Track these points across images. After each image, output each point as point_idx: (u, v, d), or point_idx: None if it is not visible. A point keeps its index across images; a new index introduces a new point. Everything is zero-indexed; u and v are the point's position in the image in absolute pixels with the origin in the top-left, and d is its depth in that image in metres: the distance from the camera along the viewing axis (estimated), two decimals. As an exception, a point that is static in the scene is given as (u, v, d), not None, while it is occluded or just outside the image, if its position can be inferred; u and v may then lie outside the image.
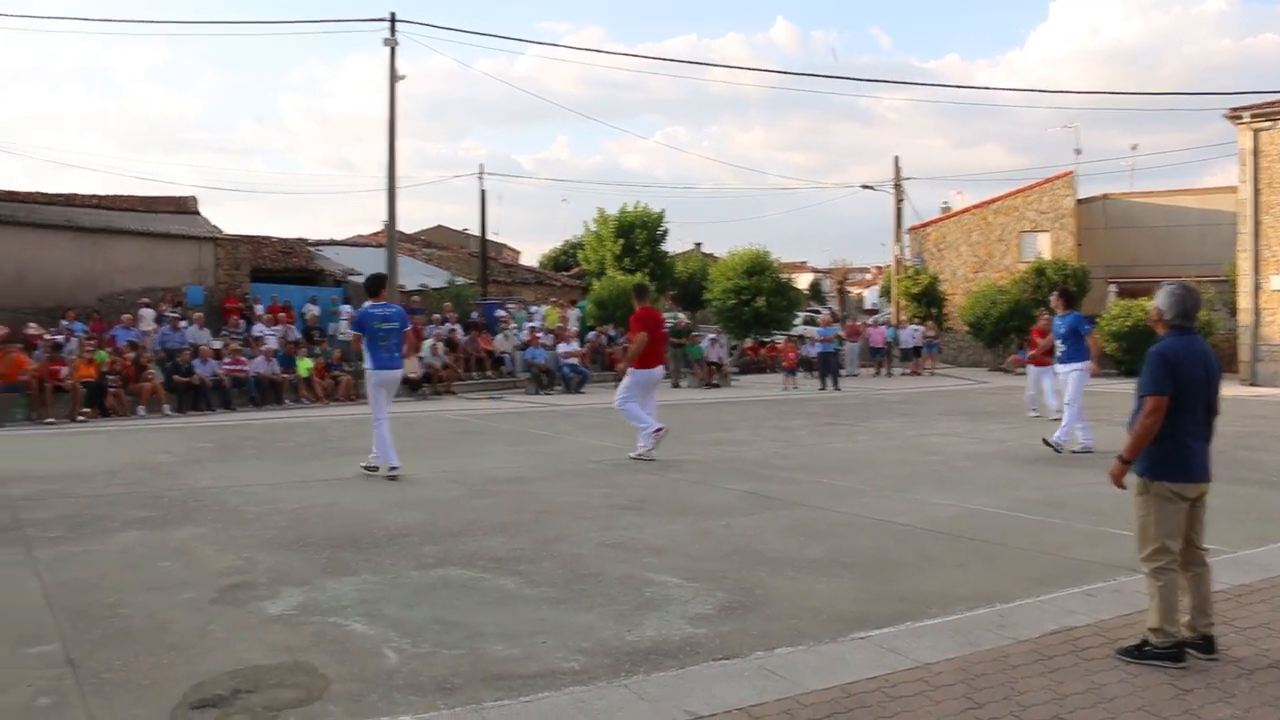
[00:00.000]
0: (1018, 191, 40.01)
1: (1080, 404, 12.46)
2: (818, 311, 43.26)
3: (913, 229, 41.38)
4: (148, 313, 23.62)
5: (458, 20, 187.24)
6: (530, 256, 62.71)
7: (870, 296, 74.19)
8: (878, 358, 32.03)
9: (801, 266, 70.86)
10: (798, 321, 39.06)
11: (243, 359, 21.39)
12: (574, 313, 31.10)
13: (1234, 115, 26.41)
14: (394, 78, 24.84)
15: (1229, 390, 13.07)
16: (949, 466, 11.35)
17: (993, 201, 40.45)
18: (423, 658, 4.78)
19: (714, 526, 7.91)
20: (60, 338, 20.50)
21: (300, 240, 36.13)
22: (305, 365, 21.97)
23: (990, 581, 6.20)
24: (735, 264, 35.56)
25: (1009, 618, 5.38)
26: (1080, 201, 38.94)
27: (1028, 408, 17.01)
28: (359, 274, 31.67)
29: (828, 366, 25.98)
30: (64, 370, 18.65)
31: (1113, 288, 36.24)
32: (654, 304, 12.59)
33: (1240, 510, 8.45)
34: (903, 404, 20.66)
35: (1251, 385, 25.56)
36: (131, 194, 33.17)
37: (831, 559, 6.82)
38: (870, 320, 39.90)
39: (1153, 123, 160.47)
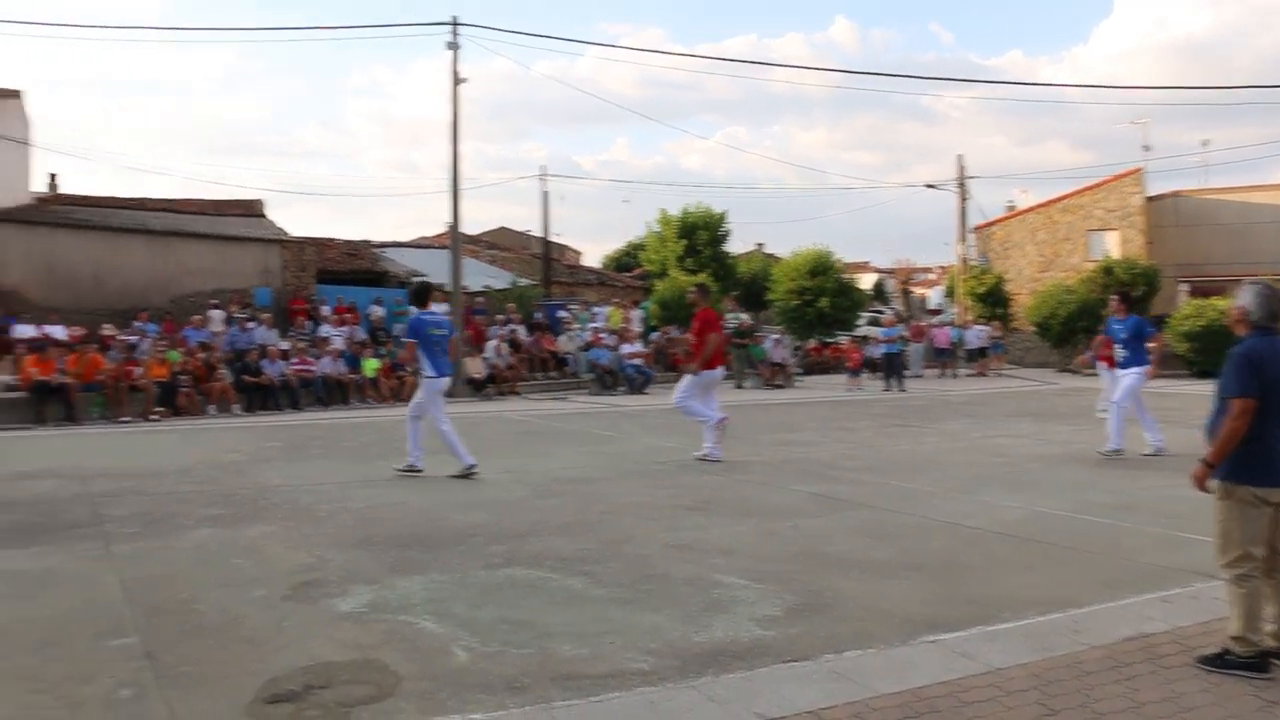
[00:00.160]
0: (1084, 189, 39.41)
1: (1128, 407, 12.18)
2: (881, 312, 42.91)
3: (977, 228, 40.94)
4: (217, 314, 24.03)
5: (518, 23, 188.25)
6: (592, 257, 62.98)
7: (934, 297, 73.35)
8: (942, 358, 31.67)
9: (864, 266, 70.30)
10: (861, 322, 38.76)
11: (310, 359, 21.68)
12: (637, 313, 31.14)
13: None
14: (456, 80, 25.00)
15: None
16: (1017, 468, 11.20)
17: (1059, 200, 39.88)
18: (492, 656, 4.80)
19: (781, 528, 7.88)
20: (134, 339, 20.94)
21: (365, 242, 36.57)
22: (371, 366, 22.21)
23: (1062, 586, 6.10)
24: (798, 264, 35.40)
25: (1082, 623, 5.29)
26: (1150, 199, 38.24)
27: (1099, 409, 16.73)
28: (423, 275, 31.93)
29: (892, 367, 25.76)
30: (138, 370, 19.03)
31: (1184, 287, 35.58)
32: (713, 305, 12.55)
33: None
34: (969, 405, 20.43)
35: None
36: (201, 198, 33.79)
37: (900, 561, 6.75)
38: (934, 321, 39.47)
39: (1225, 117, 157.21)
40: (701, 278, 32.16)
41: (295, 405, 20.54)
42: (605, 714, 4.08)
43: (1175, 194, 38.76)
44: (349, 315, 26.28)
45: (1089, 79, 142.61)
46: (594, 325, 28.69)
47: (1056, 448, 13.08)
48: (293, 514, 8.48)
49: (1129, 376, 12.20)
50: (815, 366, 33.30)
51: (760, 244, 63.02)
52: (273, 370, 20.67)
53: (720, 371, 12.28)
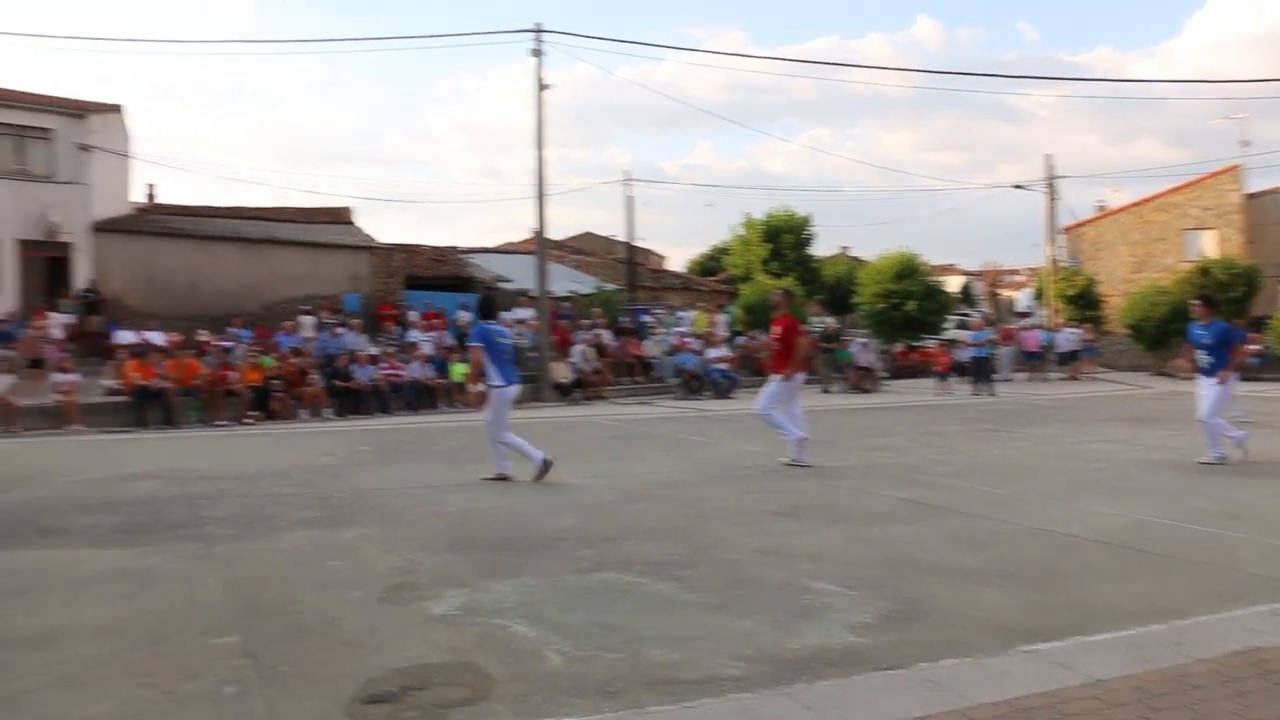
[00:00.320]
0: (1179, 188, 38.44)
1: (1219, 416, 11.72)
2: (969, 315, 42.32)
3: (1067, 229, 40.17)
4: (308, 320, 24.50)
5: (600, 28, 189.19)
6: (676, 262, 63.12)
7: (1022, 299, 72.17)
8: (1032, 362, 31.13)
9: (951, 269, 69.55)
10: (949, 325, 38.29)
11: (398, 364, 22.01)
12: (722, 318, 31.10)
13: None
14: (541, 87, 25.21)
15: None
16: (1114, 474, 10.94)
17: (1152, 199, 38.97)
18: (584, 660, 4.82)
19: (871, 533, 7.80)
20: (229, 344, 21.44)
21: (451, 248, 37.01)
22: (459, 370, 22.43)
23: (1164, 596, 5.94)
24: (885, 267, 35.14)
25: (1187, 635, 5.14)
26: (1249, 196, 37.14)
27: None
28: (509, 280, 32.33)
29: (981, 371, 25.41)
30: (233, 375, 19.48)
31: (1287, 287, 34.56)
32: (796, 310, 12.42)
33: None
34: (1061, 409, 20.05)
35: None
36: (291, 206, 34.49)
37: (994, 569, 6.64)
38: (1023, 323, 38.80)
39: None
40: (787, 282, 32.10)
41: (385, 410, 20.87)
42: (699, 719, 4.07)
43: (1276, 190, 37.59)
44: (436, 320, 26.64)
45: (1182, 74, 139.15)
46: (679, 330, 28.72)
47: (1155, 453, 12.77)
48: (386, 517, 8.61)
49: (1215, 389, 11.58)
50: (902, 370, 32.92)
51: (845, 247, 62.64)
52: (362, 375, 21.03)
53: (801, 377, 12.18)
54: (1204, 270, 33.06)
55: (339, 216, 33.66)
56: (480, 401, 10.99)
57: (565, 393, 23.54)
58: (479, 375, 10.63)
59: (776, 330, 12.00)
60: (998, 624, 5.38)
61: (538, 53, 24.99)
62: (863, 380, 26.83)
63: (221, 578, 6.48)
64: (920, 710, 4.14)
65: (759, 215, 46.58)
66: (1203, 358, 11.83)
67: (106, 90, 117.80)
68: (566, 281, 33.24)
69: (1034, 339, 31.81)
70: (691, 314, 31.14)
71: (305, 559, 7.04)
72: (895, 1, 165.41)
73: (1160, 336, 32.41)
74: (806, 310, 26.10)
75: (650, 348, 27.36)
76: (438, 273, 33.44)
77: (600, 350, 25.83)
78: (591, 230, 56.46)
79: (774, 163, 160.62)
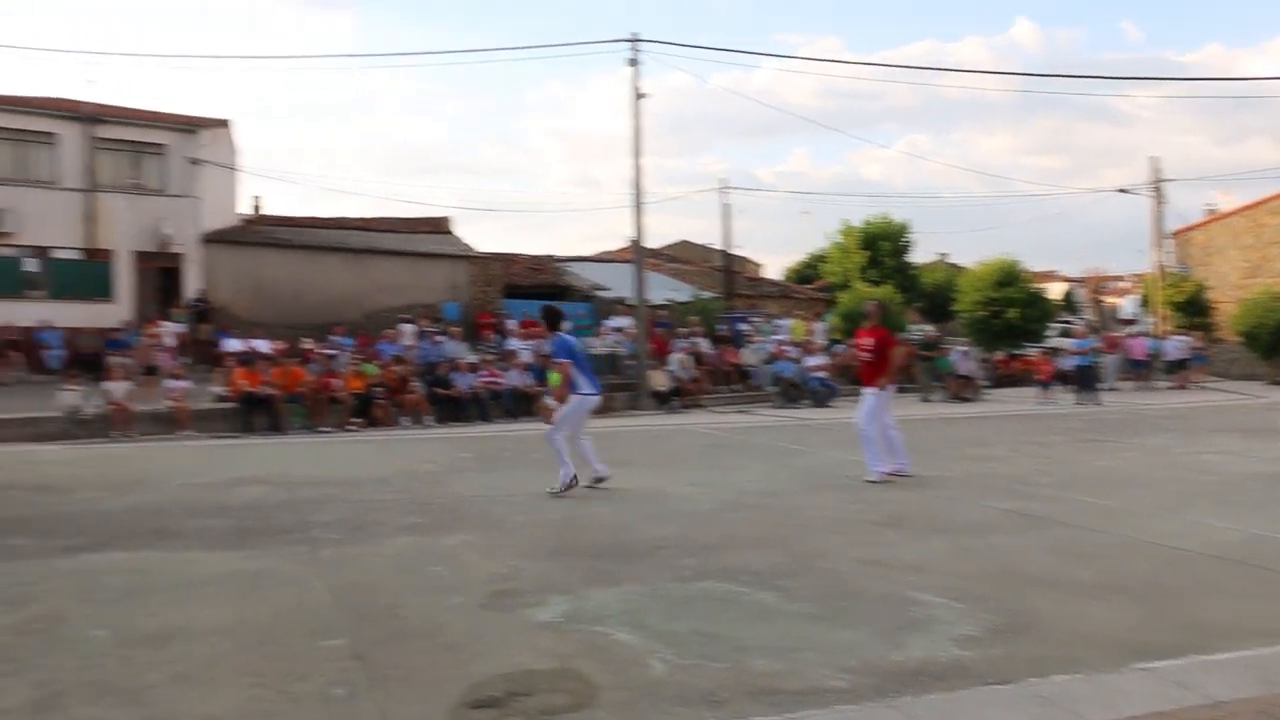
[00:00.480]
0: (1295, 189, 37.16)
1: None
2: (1071, 322, 41.44)
3: (1175, 233, 39.09)
4: (408, 328, 24.88)
5: (694, 36, 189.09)
6: (772, 269, 62.75)
7: (1127, 306, 70.44)
8: (1138, 370, 30.33)
9: (1052, 275, 68.17)
10: (1051, 333, 37.52)
11: (498, 372, 22.25)
12: (820, 325, 30.89)
13: None
14: (637, 96, 25.30)
15: None
16: (1228, 487, 10.61)
17: (1266, 201, 37.65)
18: (688, 669, 4.82)
19: (974, 545, 7.67)
20: (333, 352, 21.89)
21: (548, 257, 37.35)
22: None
23: (1285, 613, 5.75)
24: (985, 274, 34.57)
25: (1311, 655, 4.97)
26: (1370, 197, 35.81)
27: None
28: (606, 289, 32.51)
29: (1085, 380, 24.86)
30: (336, 382, 19.87)
31: None
32: (883, 321, 12.20)
33: None
34: (1169, 419, 19.51)
35: None
36: (392, 216, 35.14)
37: (1102, 582, 6.48)
38: (1129, 331, 37.84)
39: None
40: (885, 290, 31.79)
41: (485, 417, 21.10)
42: (804, 731, 4.05)
43: (1399, 189, 36.18)
44: (535, 329, 26.85)
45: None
46: (777, 338, 28.58)
47: (1270, 465, 12.35)
48: (487, 523, 8.71)
49: None
50: (1004, 379, 32.29)
51: (944, 254, 61.72)
52: (462, 383, 21.30)
53: (893, 387, 11.97)
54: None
55: (439, 226, 34.16)
56: (551, 415, 11.07)
57: (663, 401, 23.58)
58: (569, 387, 10.75)
59: (867, 341, 11.71)
60: (1108, 639, 5.26)
61: (634, 62, 25.10)
62: (963, 389, 26.43)
63: (328, 581, 6.62)
64: (1030, 726, 4.06)
65: (856, 222, 46.23)
66: None
67: (214, 106, 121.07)
68: (663, 290, 33.26)
69: (1140, 347, 31.04)
70: (789, 322, 30.97)
71: (408, 564, 7.16)
72: (993, 4, 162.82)
73: (1275, 344, 31.41)
74: (905, 318, 25.80)
75: (748, 356, 27.27)
76: (535, 281, 33.74)
77: (698, 358, 25.80)
78: (688, 238, 56.48)
79: (871, 169, 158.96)
